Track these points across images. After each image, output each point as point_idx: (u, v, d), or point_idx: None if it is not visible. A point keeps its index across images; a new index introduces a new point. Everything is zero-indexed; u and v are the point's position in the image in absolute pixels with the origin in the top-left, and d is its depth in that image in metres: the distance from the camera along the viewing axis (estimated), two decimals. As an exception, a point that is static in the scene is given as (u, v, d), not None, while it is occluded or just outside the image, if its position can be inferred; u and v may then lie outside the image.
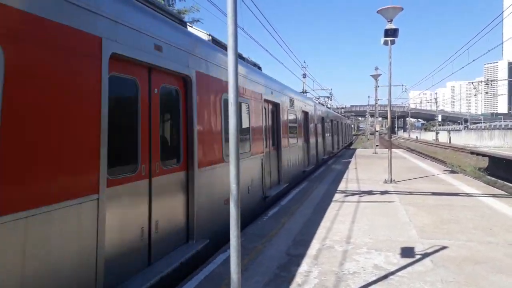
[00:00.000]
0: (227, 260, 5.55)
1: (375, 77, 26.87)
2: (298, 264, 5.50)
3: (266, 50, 17.25)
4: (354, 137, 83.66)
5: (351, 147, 47.49)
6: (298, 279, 4.97)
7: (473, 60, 25.95)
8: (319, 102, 23.56)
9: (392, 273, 5.11)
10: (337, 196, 10.88)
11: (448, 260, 5.55)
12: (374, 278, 4.93)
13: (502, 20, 21.72)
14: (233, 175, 3.49)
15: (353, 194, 11.13)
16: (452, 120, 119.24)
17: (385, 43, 13.42)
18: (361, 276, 5.01)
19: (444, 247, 6.13)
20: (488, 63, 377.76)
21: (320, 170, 18.48)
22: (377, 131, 36.68)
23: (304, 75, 38.18)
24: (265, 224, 7.85)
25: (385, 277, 4.98)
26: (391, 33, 13.08)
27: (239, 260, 3.43)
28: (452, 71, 30.78)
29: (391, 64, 13.88)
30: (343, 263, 5.53)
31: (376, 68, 27.79)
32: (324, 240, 6.65)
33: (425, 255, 5.77)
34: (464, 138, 62.40)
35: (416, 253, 5.89)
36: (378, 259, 5.65)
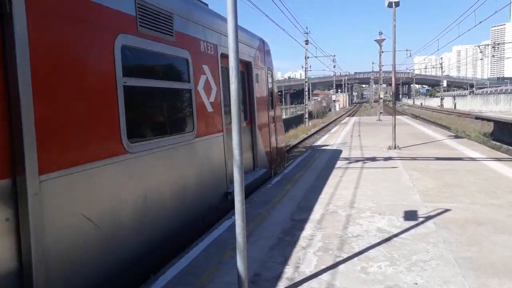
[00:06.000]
0: (231, 227, 5.64)
1: (379, 42, 26.27)
2: (302, 229, 5.57)
3: (267, 16, 16.85)
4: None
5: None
6: (302, 242, 5.05)
7: (480, 22, 25.24)
8: None
9: (395, 235, 5.17)
10: (340, 163, 10.92)
11: (451, 222, 5.60)
12: (377, 240, 5.00)
13: (511, -21, 20.97)
14: (235, 142, 3.47)
15: (357, 161, 11.15)
16: (457, 85, 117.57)
17: (389, 5, 13.05)
18: (365, 239, 5.09)
19: (447, 210, 6.17)
20: (495, 26, 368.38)
21: (323, 138, 18.47)
22: (381, 98, 36.35)
23: (307, 42, 37.50)
24: (269, 191, 7.92)
25: (388, 239, 5.04)
26: (395, -5, 12.71)
27: (244, 224, 3.47)
28: (459, 34, 30.03)
29: (395, 27, 13.55)
30: (347, 227, 5.60)
31: (380, 33, 27.11)
32: (327, 206, 6.71)
33: (428, 218, 5.82)
34: (469, 104, 61.84)
35: (419, 216, 5.95)
36: (381, 223, 5.71)
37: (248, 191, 7.63)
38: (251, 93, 8.66)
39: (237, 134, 3.46)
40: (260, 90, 9.33)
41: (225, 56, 6.79)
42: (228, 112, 7.12)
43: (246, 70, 8.52)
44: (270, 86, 10.19)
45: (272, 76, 10.52)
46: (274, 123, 10.44)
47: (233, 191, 5.83)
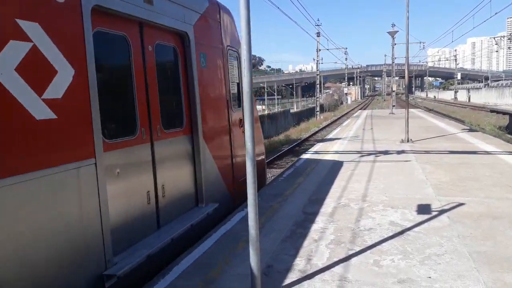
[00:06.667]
0: (244, 219, 5.67)
1: (392, 34, 25.88)
2: (314, 222, 5.57)
3: (278, 8, 16.75)
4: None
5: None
6: (314, 235, 5.05)
7: (496, 13, 24.76)
8: None
9: (408, 229, 5.14)
10: (352, 156, 10.85)
11: (465, 216, 5.53)
12: (390, 234, 4.98)
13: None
14: (248, 134, 3.47)
15: (369, 154, 11.07)
16: (472, 78, 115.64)
17: (403, -4, 12.85)
18: (377, 232, 5.06)
19: (461, 204, 6.10)
20: (511, 17, 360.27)
21: (335, 131, 18.37)
22: (393, 91, 35.91)
23: (318, 34, 37.19)
24: (280, 185, 7.93)
25: (401, 233, 5.01)
26: (409, -14, 12.51)
27: (257, 216, 3.48)
28: (473, 25, 29.44)
29: (409, 19, 13.34)
30: (359, 220, 5.58)
31: (393, 25, 26.70)
32: (339, 199, 6.69)
33: (442, 212, 5.76)
34: (484, 97, 60.73)
35: (433, 210, 5.89)
36: (394, 216, 5.68)
37: (175, 250, 4.80)
38: (191, 84, 5.61)
39: (250, 127, 3.45)
40: (211, 80, 6.18)
41: (109, 14, 4.07)
42: (118, 117, 4.41)
43: (179, 46, 5.52)
44: (234, 74, 7.11)
45: (238, 59, 7.21)
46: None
47: (120, 275, 3.72)
